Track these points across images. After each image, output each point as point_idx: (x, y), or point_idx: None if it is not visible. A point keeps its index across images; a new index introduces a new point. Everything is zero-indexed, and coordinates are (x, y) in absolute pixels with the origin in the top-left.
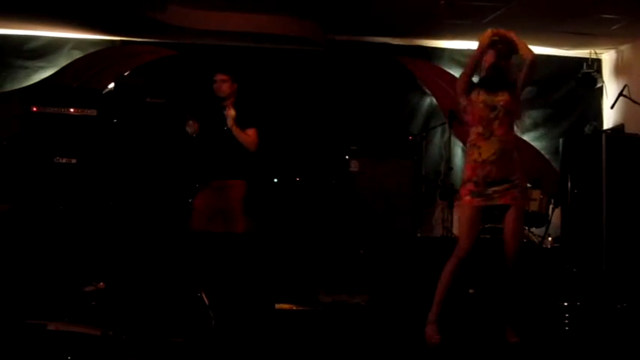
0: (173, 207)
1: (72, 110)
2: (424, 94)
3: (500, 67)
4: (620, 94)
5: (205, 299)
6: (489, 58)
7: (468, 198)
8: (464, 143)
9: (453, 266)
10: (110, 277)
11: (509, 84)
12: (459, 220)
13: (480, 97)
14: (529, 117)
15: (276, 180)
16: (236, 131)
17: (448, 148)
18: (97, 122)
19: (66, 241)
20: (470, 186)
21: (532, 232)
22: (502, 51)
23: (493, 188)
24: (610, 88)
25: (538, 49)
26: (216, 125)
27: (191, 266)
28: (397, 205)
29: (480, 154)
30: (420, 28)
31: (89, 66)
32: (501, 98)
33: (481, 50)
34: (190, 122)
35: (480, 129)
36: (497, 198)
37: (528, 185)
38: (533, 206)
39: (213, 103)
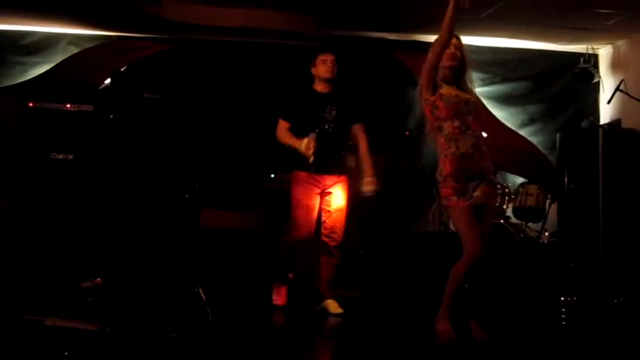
0: (171, 203)
1: (68, 106)
2: None
3: (457, 57)
4: (617, 89)
5: (202, 295)
6: (447, 58)
7: (454, 199)
8: None
9: (465, 269)
10: (107, 273)
11: (467, 85)
12: (457, 226)
13: (452, 90)
14: (526, 112)
15: (272, 175)
16: None
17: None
18: (93, 118)
19: (63, 237)
20: (451, 182)
21: (529, 227)
22: (458, 57)
23: (472, 184)
24: (607, 83)
25: (535, 44)
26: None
27: (188, 262)
28: (393, 199)
29: (457, 147)
30: (417, 23)
31: (85, 61)
32: (470, 96)
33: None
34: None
35: (456, 122)
36: (477, 198)
37: (525, 180)
38: (530, 201)
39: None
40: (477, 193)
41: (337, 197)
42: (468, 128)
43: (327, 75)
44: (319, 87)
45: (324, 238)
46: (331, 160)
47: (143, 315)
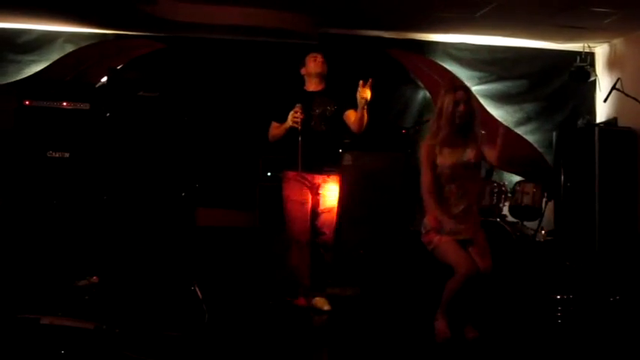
0: (167, 201)
1: (65, 104)
2: (417, 87)
3: (466, 114)
4: (613, 88)
5: (199, 293)
6: (450, 104)
7: (437, 238)
8: None
9: (457, 287)
10: (104, 271)
11: (475, 136)
12: (444, 257)
13: (447, 159)
14: (522, 110)
15: (269, 174)
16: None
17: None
18: (90, 116)
19: (59, 236)
20: (433, 232)
21: (525, 226)
22: (463, 98)
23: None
24: (603, 81)
25: (531, 43)
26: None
27: (185, 260)
28: (390, 198)
29: (448, 207)
30: (413, 22)
31: (82, 59)
32: (470, 154)
33: None
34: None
35: (453, 188)
36: (463, 234)
37: (521, 179)
38: (527, 200)
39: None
40: (462, 229)
41: (327, 197)
42: (466, 192)
43: (317, 69)
44: (310, 87)
45: (315, 239)
46: (321, 159)
47: (140, 313)
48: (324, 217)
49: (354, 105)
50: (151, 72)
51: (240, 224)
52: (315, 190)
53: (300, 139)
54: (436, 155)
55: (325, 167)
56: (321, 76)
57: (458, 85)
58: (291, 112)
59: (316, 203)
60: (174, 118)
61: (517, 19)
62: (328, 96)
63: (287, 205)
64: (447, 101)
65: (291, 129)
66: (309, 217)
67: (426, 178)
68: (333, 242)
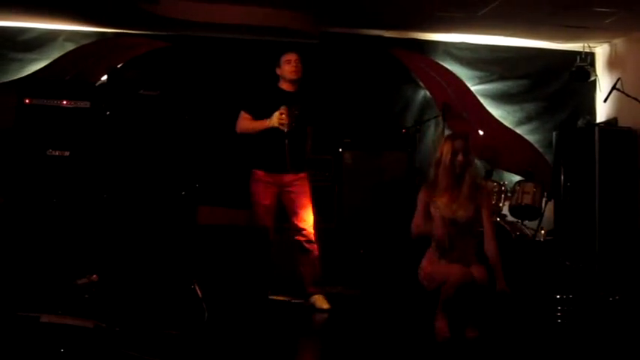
0: (167, 200)
1: (65, 102)
2: (418, 86)
3: (464, 163)
4: (614, 88)
5: (199, 291)
6: (449, 153)
7: (429, 268)
8: None
9: (453, 291)
10: (103, 270)
11: (472, 195)
12: (438, 277)
13: (438, 211)
14: (523, 110)
15: None
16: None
17: (442, 140)
18: (90, 114)
19: (59, 234)
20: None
21: (525, 225)
22: (461, 147)
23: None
24: (603, 81)
25: (532, 43)
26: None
27: (185, 259)
28: (390, 198)
29: (440, 256)
30: (414, 21)
31: (82, 58)
32: (462, 214)
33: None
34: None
35: (442, 243)
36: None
37: (521, 178)
38: (527, 199)
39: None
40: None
41: (299, 195)
42: (455, 249)
43: (292, 76)
44: (284, 85)
45: (296, 237)
46: (288, 159)
47: (139, 312)
48: (300, 215)
49: (311, 118)
50: (151, 70)
51: (241, 223)
52: (284, 190)
53: (286, 142)
54: (430, 203)
55: (298, 166)
56: (296, 81)
57: (457, 134)
58: (277, 114)
59: (291, 202)
60: (174, 117)
61: (518, 18)
62: (302, 99)
63: (254, 204)
64: (445, 150)
65: (272, 129)
66: (273, 218)
67: (414, 221)
68: (315, 237)
